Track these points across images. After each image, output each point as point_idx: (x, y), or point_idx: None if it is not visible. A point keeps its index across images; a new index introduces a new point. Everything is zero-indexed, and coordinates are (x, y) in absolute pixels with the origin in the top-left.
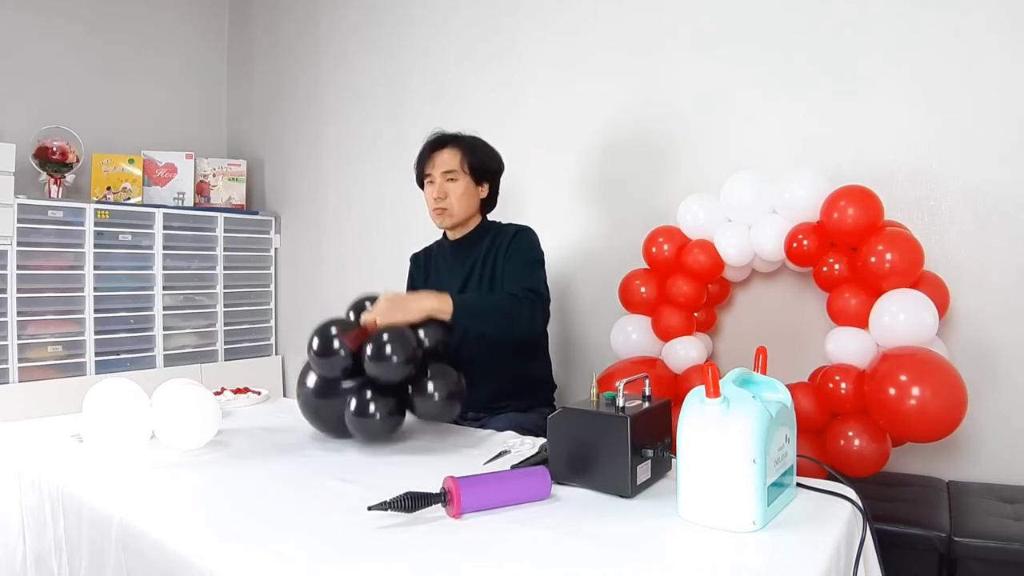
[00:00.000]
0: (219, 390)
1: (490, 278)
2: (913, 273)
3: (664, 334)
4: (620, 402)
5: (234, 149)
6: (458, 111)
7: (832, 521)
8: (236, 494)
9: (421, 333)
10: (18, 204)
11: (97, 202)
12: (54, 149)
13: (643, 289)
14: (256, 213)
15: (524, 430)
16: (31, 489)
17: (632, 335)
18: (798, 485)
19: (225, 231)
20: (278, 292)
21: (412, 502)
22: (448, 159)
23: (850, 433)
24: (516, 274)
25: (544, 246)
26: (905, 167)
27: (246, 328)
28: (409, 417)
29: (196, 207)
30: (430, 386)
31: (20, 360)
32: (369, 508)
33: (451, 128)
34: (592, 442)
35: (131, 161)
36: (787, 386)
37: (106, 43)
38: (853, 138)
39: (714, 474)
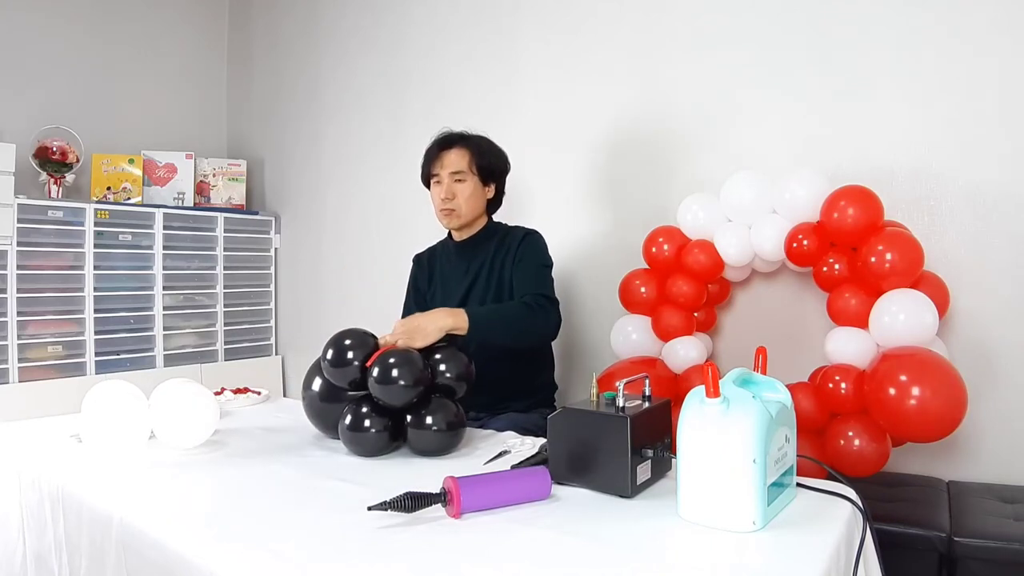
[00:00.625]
0: (219, 390)
1: (497, 281)
2: (913, 273)
3: (664, 334)
4: (620, 402)
5: (234, 149)
6: (458, 111)
7: (832, 521)
8: (236, 494)
9: (443, 367)
10: (18, 204)
11: (97, 202)
12: (54, 149)
13: (643, 289)
14: (256, 213)
15: (524, 430)
16: (31, 489)
17: (632, 335)
18: (798, 485)
19: (225, 231)
20: (278, 292)
21: (412, 502)
22: (456, 159)
23: (850, 433)
24: (527, 281)
25: None
26: (905, 167)
27: (246, 328)
28: None
29: (196, 207)
30: (428, 419)
31: (20, 360)
32: (369, 508)
33: (455, 128)
34: (592, 442)
35: (131, 161)
36: (787, 386)
37: (106, 43)
38: (853, 138)
39: (714, 474)
